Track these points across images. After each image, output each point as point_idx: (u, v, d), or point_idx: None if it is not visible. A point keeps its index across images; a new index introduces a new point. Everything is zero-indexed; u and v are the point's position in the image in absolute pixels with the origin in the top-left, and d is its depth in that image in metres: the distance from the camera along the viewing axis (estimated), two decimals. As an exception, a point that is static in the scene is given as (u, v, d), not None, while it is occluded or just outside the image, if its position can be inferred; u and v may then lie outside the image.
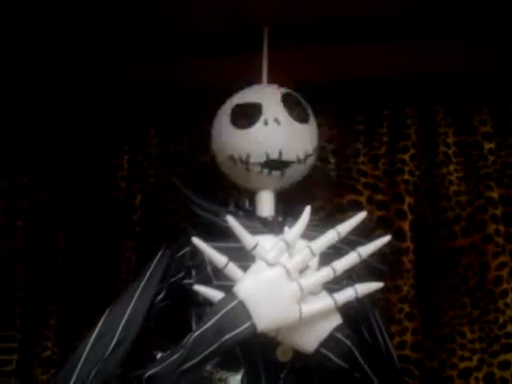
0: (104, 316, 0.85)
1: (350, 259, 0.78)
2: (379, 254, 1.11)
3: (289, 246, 0.78)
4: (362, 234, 0.91)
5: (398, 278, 1.14)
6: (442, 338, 1.11)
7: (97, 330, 0.83)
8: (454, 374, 1.08)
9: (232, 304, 0.74)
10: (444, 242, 1.15)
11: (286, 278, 0.75)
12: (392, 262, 1.14)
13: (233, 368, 0.81)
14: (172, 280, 0.89)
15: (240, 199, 0.99)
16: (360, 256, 0.78)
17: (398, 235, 1.16)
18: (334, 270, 0.77)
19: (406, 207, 1.17)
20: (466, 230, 1.14)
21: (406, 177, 1.19)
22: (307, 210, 0.81)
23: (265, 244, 0.80)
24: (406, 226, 1.16)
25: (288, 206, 0.97)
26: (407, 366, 1.10)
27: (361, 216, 0.80)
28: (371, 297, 0.91)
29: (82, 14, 1.13)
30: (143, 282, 0.87)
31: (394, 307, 1.13)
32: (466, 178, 1.18)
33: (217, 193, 1.17)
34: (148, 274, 0.88)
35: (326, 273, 0.77)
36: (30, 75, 1.30)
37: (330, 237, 0.78)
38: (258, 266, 0.77)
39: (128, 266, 1.21)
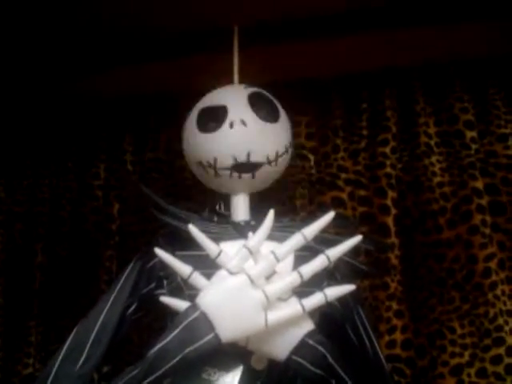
0: (74, 331, 0.82)
1: (317, 263, 0.75)
2: (365, 252, 1.10)
3: (251, 253, 0.75)
4: (346, 232, 0.88)
5: (385, 275, 1.11)
6: (432, 334, 1.07)
7: (66, 345, 0.81)
8: (446, 371, 1.04)
9: (194, 315, 0.71)
10: (430, 235, 1.12)
11: (249, 285, 0.73)
12: (379, 259, 1.11)
13: (231, 369, 0.78)
14: (143, 291, 0.86)
15: (216, 204, 0.97)
16: (329, 259, 0.75)
17: (383, 231, 1.13)
18: (300, 275, 0.74)
19: (389, 202, 1.14)
20: (452, 222, 1.11)
21: (388, 170, 1.16)
22: (270, 214, 0.77)
23: (233, 251, 0.77)
24: (389, 221, 1.13)
25: (265, 208, 0.94)
26: (398, 366, 1.07)
27: (328, 217, 0.77)
28: (354, 295, 0.88)
29: (51, 20, 1.11)
30: (113, 296, 0.84)
31: (381, 305, 1.10)
32: (450, 168, 1.14)
33: (195, 198, 1.15)
34: (118, 287, 0.86)
35: (293, 278, 0.74)
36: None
37: (296, 241, 0.75)
38: (220, 275, 0.75)
39: (109, 277, 1.18)
